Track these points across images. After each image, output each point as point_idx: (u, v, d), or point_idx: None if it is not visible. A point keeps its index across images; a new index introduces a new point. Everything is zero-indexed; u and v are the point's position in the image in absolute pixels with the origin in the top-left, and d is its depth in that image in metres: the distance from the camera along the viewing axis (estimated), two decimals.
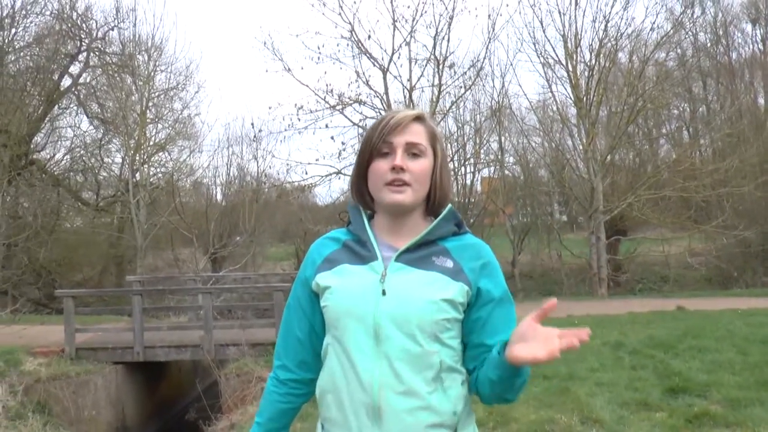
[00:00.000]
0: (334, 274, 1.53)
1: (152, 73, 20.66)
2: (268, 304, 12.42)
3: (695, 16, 26.77)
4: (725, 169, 18.89)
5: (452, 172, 24.10)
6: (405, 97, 16.18)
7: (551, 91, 20.65)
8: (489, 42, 16.57)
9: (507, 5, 22.39)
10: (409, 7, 15.29)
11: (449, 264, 1.49)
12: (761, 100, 33.93)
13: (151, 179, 20.84)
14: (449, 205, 1.57)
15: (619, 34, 18.55)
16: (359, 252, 1.54)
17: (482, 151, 23.43)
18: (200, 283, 14.91)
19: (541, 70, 20.20)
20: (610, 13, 18.35)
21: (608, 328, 8.98)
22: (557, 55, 19.46)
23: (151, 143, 20.84)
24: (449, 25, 15.48)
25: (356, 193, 1.62)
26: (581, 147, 20.26)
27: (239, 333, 10.15)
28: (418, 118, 1.54)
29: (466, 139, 22.47)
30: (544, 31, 19.37)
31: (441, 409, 1.44)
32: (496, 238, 26.31)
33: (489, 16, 17.19)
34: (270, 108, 26.40)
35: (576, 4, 18.54)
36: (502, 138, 23.90)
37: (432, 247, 1.52)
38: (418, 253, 1.50)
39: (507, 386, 1.44)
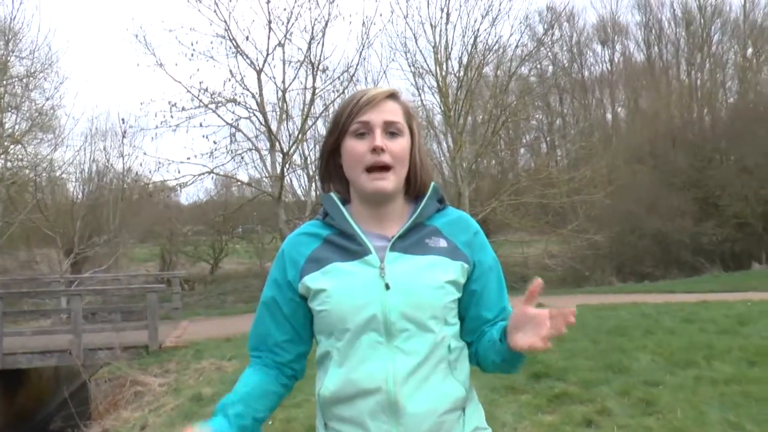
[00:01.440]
0: (325, 275, 1.42)
1: (7, 59, 19.21)
2: (140, 305, 12.09)
3: (554, 37, 28.75)
4: (579, 178, 20.28)
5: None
6: (278, 99, 16.23)
7: (421, 100, 21.42)
8: (362, 49, 16.92)
9: (381, 15, 22.99)
10: (285, 9, 15.31)
11: (443, 243, 1.45)
12: (609, 116, 36.88)
13: (8, 173, 19.41)
14: (432, 183, 1.50)
15: (486, 49, 19.56)
16: (348, 247, 1.44)
17: None
18: (64, 285, 14.22)
19: (411, 79, 20.87)
20: (478, 29, 19.27)
21: None
22: (428, 65, 20.16)
23: (6, 135, 19.41)
24: (324, 30, 15.72)
25: (324, 177, 1.54)
26: (449, 154, 21.19)
27: (112, 336, 9.84)
28: (392, 95, 1.47)
29: None
30: (416, 42, 20.06)
31: (455, 395, 1.42)
32: None
33: (363, 23, 17.54)
34: (142, 104, 25.27)
35: (447, 18, 19.34)
36: None
37: (423, 230, 1.46)
38: (411, 238, 1.44)
39: (510, 366, 1.44)
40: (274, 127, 15.76)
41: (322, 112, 17.54)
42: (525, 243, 23.55)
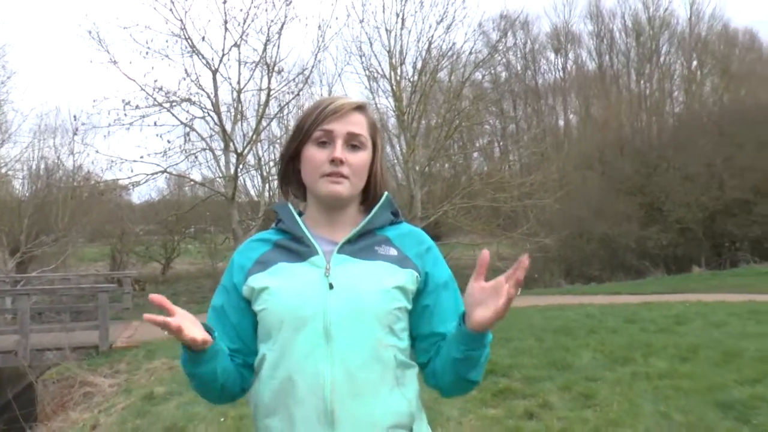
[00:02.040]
0: (269, 275, 1.40)
1: None
2: (90, 305, 11.95)
3: (508, 44, 29.31)
4: (530, 183, 20.72)
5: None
6: (233, 99, 16.21)
7: (375, 103, 21.62)
8: (318, 51, 17.01)
9: (336, 18, 23.10)
10: (241, 10, 15.28)
11: (393, 252, 1.43)
12: (561, 122, 37.76)
13: None
14: (386, 193, 1.50)
15: (440, 54, 19.86)
16: (296, 249, 1.43)
17: None
18: (9, 284, 13.95)
19: (366, 83, 21.09)
20: (433, 35, 19.58)
21: None
22: (382, 69, 20.37)
23: None
24: (280, 31, 15.76)
25: (284, 180, 1.54)
26: (402, 157, 21.44)
27: (61, 336, 9.73)
28: (359, 108, 1.46)
29: None
30: (371, 46, 20.25)
31: (399, 410, 1.36)
32: None
33: (319, 27, 17.60)
34: (95, 101, 24.76)
35: (402, 23, 19.59)
36: None
37: (372, 237, 1.44)
38: (360, 244, 1.43)
39: (473, 362, 1.36)
40: (228, 127, 15.74)
41: (277, 113, 17.58)
42: (476, 246, 23.92)
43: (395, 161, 22.89)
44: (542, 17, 60.96)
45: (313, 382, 1.31)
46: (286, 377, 1.34)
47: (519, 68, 38.63)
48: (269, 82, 15.96)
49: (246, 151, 16.29)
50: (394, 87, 19.83)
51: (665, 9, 40.30)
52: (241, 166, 16.10)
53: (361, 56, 20.25)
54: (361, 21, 19.62)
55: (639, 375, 6.01)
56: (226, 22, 15.26)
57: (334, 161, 1.39)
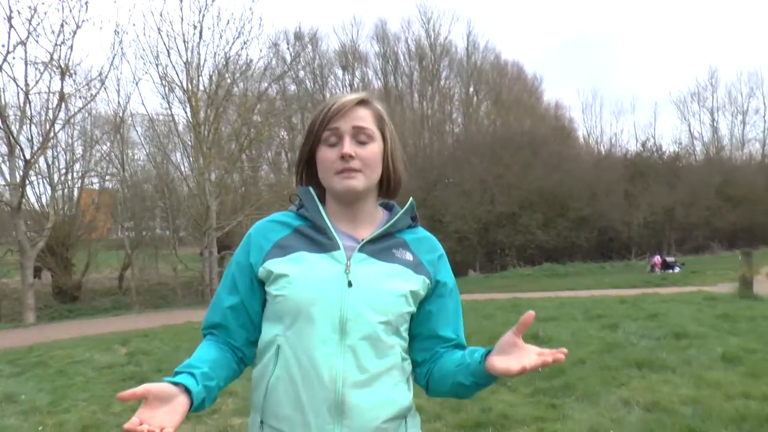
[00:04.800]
0: (290, 262, 1.42)
1: None
2: None
3: (300, 62, 30.17)
4: None
5: (70, 183, 22.88)
6: (21, 101, 15.10)
7: (171, 113, 21.27)
8: (114, 57, 16.45)
9: (134, 25, 22.38)
10: (30, 6, 14.33)
11: (409, 257, 1.47)
12: None
13: None
14: (411, 199, 1.54)
15: (236, 69, 20.10)
16: (318, 239, 1.45)
17: (100, 163, 22.85)
18: None
19: (163, 91, 20.66)
20: (229, 50, 19.82)
21: None
22: (180, 80, 20.25)
23: None
24: (74, 33, 15.01)
25: (303, 181, 1.55)
26: (197, 168, 21.27)
27: None
28: (363, 102, 1.47)
29: (84, 149, 21.72)
30: (168, 55, 19.98)
31: (402, 402, 1.42)
32: (102, 253, 25.57)
33: (116, 32, 16.96)
34: None
35: (200, 36, 19.58)
36: (118, 152, 23.71)
37: (391, 239, 1.48)
38: (380, 245, 1.46)
39: (473, 391, 1.44)
40: (15, 130, 14.59)
41: (70, 117, 16.63)
42: None
43: (189, 172, 22.63)
44: (331, 35, 62.83)
45: (327, 374, 1.34)
46: (297, 367, 1.36)
47: (309, 83, 39.74)
48: (62, 86, 15.09)
49: (35, 158, 15.21)
50: (190, 98, 19.66)
51: (445, 37, 43.93)
52: (29, 174, 14.99)
53: (157, 65, 19.91)
54: (159, 30, 19.28)
55: None
56: (10, 17, 14.24)
57: (343, 157, 1.41)
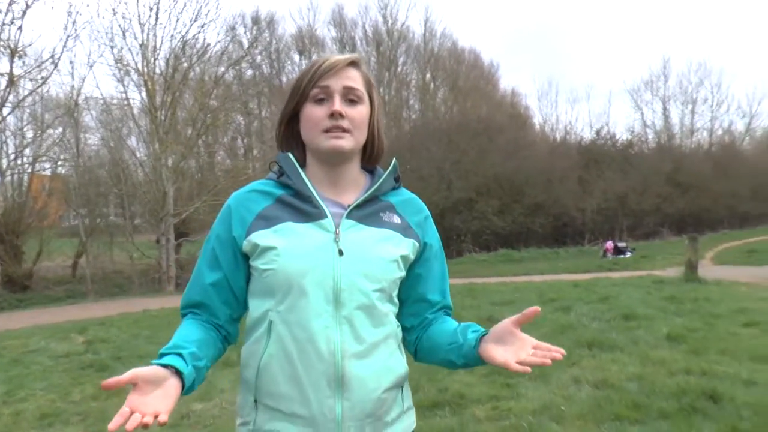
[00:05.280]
0: (276, 234, 1.36)
1: None
2: None
3: (257, 47, 29.89)
4: None
5: (20, 168, 22.31)
6: None
7: (126, 97, 20.90)
8: (67, 39, 16.06)
9: (88, 5, 21.89)
10: None
11: (397, 220, 1.44)
12: None
13: None
14: (394, 159, 1.50)
15: (194, 53, 19.82)
16: (302, 208, 1.39)
17: (53, 148, 22.35)
18: None
19: (118, 74, 20.26)
20: (186, 33, 19.52)
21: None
22: (136, 63, 19.89)
23: None
24: (24, 13, 14.63)
25: (283, 142, 1.49)
26: (153, 153, 20.97)
27: None
28: (354, 63, 1.43)
29: (35, 133, 21.21)
30: (124, 37, 19.57)
31: (399, 371, 1.41)
32: (55, 241, 25.06)
33: (69, 12, 16.56)
34: None
35: (156, 18, 19.24)
36: (72, 137, 23.26)
37: (378, 203, 1.44)
38: (367, 210, 1.42)
39: (463, 368, 1.46)
40: None
41: (21, 101, 16.25)
42: None
43: (146, 158, 22.29)
44: (287, 18, 62.21)
45: (325, 347, 1.30)
46: (293, 343, 1.32)
47: (265, 67, 39.36)
48: (11, 67, 14.72)
49: None
50: (146, 81, 19.33)
51: (402, 23, 43.84)
52: None
53: (112, 47, 19.52)
54: (114, 11, 18.85)
55: None
56: None
57: (333, 115, 1.37)
